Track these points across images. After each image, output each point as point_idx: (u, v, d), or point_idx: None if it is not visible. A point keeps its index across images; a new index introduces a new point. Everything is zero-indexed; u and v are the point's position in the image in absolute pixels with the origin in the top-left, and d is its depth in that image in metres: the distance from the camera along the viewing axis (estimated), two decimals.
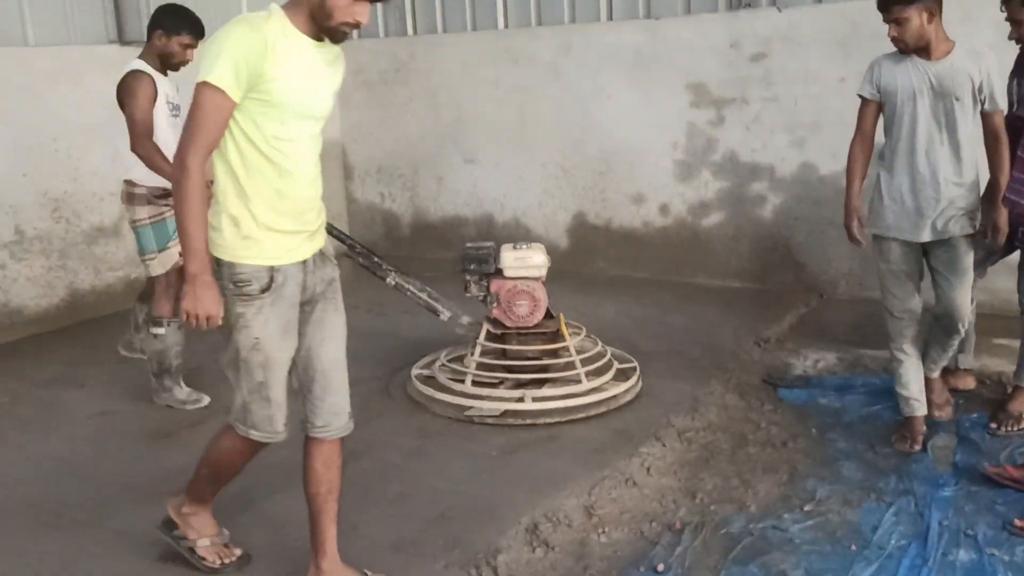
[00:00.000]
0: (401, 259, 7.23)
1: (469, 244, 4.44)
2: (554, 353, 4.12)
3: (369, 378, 4.48)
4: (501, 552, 2.89)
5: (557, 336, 4.16)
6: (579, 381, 3.99)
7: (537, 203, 6.79)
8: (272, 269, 2.42)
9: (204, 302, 2.34)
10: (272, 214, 2.39)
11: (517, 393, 4.00)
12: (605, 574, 2.88)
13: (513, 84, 6.68)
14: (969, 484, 3.31)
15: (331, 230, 4.39)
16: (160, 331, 4.18)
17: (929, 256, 3.62)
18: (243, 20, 2.28)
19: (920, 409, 3.68)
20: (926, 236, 3.54)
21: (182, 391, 4.28)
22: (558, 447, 3.66)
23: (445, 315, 4.35)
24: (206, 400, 4.26)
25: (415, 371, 4.38)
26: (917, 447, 3.60)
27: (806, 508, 3.21)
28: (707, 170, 6.01)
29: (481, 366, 4.11)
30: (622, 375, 4.22)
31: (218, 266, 2.41)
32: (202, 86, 2.25)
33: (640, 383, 4.20)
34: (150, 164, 3.98)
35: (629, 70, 6.17)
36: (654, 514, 3.24)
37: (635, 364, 4.34)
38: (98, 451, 3.81)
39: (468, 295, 4.29)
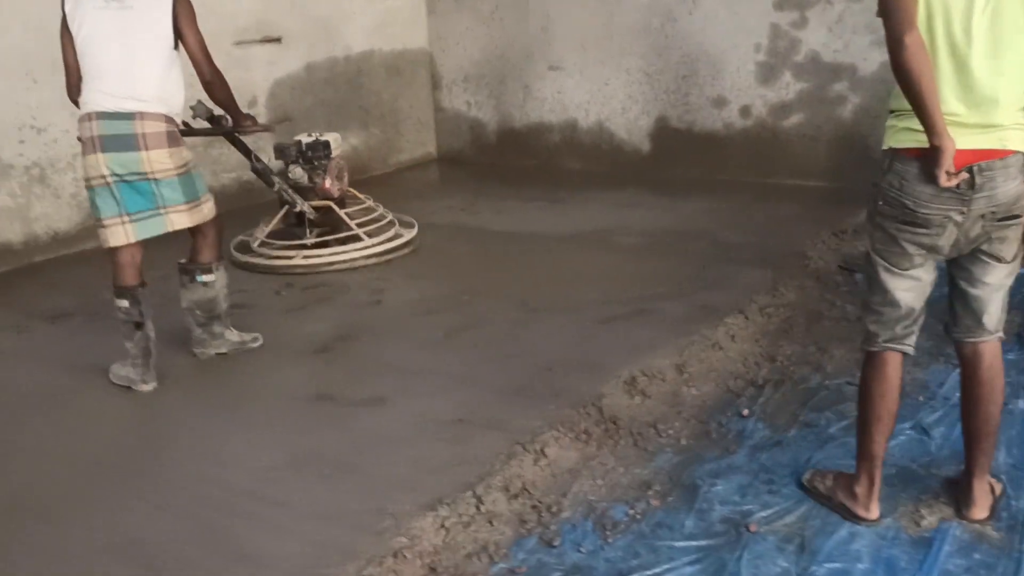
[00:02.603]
0: (486, 166, 7.66)
1: (292, 142, 5.18)
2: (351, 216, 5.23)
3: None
4: (604, 397, 3.31)
5: (343, 204, 5.26)
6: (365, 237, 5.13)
7: (621, 108, 7.05)
8: None
9: None
10: None
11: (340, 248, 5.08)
12: (695, 418, 3.29)
13: None
14: None
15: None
16: (211, 278, 3.77)
17: None
18: None
19: None
20: None
21: (235, 333, 3.91)
22: (649, 319, 4.04)
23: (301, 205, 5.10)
24: (260, 336, 3.98)
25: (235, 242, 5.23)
26: None
27: None
28: (789, 72, 6.19)
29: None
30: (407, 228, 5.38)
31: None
32: None
33: (418, 234, 5.32)
34: (227, 92, 3.65)
35: None
36: (738, 373, 3.62)
37: (415, 222, 5.43)
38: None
39: (295, 178, 5.09)
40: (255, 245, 5.19)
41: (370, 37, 7.42)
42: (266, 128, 4.42)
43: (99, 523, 2.70)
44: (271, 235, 5.21)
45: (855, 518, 2.64)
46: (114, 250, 3.54)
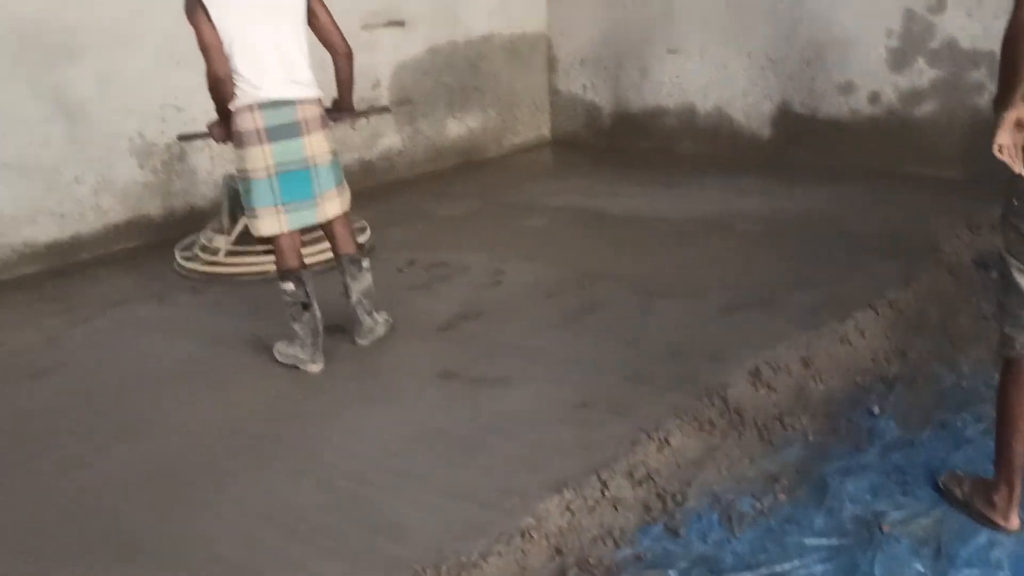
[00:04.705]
0: (601, 149, 7.64)
1: None
2: None
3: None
4: (729, 388, 3.28)
5: None
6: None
7: (741, 92, 6.91)
8: None
9: None
10: None
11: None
12: (823, 413, 3.23)
13: None
14: None
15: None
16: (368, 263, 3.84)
17: None
18: None
19: None
20: None
21: (381, 313, 3.94)
22: (773, 309, 3.98)
23: None
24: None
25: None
26: None
27: None
28: (923, 58, 5.95)
29: None
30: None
31: None
32: None
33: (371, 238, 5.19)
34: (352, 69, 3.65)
35: None
36: (867, 368, 3.53)
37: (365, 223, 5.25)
38: None
39: None
40: (221, 254, 4.94)
41: (490, 20, 7.48)
42: (386, 109, 4.56)
43: (247, 489, 2.84)
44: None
45: (993, 526, 2.56)
46: (275, 237, 3.58)
